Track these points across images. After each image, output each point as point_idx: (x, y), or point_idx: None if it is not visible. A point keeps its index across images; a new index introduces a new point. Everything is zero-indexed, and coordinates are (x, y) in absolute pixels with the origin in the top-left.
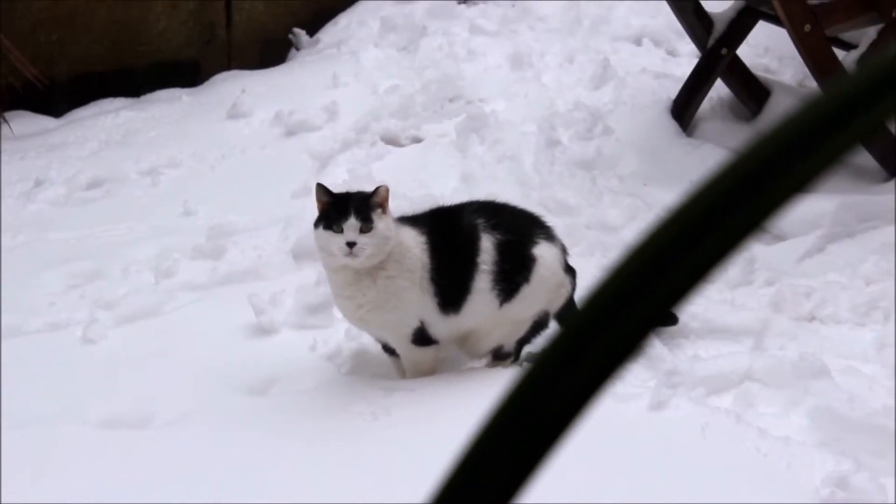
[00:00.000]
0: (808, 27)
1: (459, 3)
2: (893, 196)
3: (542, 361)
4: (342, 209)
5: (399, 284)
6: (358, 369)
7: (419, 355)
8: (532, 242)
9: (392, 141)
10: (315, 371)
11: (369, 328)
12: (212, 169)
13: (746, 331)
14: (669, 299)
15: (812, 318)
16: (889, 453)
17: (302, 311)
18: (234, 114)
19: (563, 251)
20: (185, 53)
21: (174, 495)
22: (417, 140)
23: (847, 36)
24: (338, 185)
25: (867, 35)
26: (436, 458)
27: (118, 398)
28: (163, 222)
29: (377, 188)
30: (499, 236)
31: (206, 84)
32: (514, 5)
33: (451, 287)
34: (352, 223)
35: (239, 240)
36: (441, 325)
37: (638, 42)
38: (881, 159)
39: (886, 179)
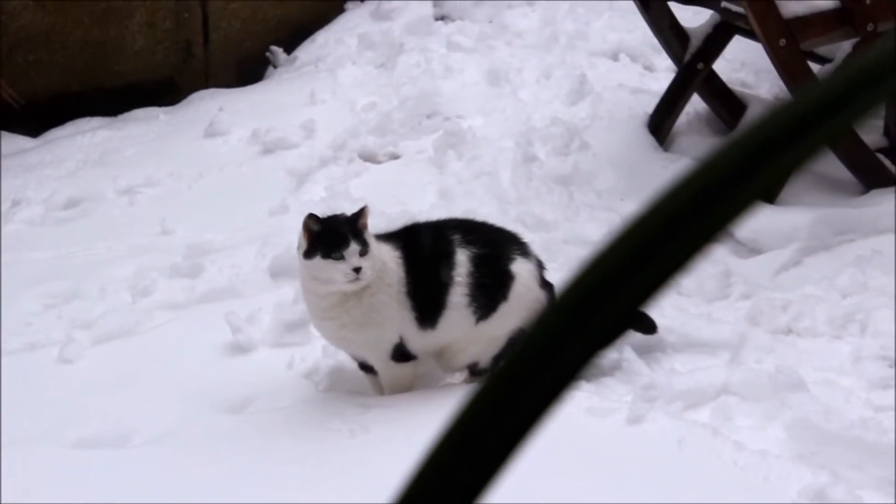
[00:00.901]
0: (783, 41)
1: (437, 20)
2: (869, 209)
3: (503, 371)
4: (338, 235)
5: (381, 300)
6: (335, 386)
7: (397, 371)
8: (508, 259)
9: (370, 158)
10: (292, 388)
11: (349, 346)
12: (189, 188)
13: (723, 344)
14: (631, 305)
15: (789, 332)
16: (866, 466)
17: (279, 328)
18: (212, 132)
19: (540, 266)
20: (162, 72)
21: None
22: (395, 157)
23: (822, 50)
24: (315, 202)
25: (842, 49)
26: None
27: (96, 418)
28: (140, 241)
29: (363, 209)
30: (474, 251)
31: (184, 103)
32: (491, 21)
33: (427, 301)
34: (353, 248)
35: (216, 258)
36: (419, 340)
37: (615, 57)
38: (857, 172)
39: (862, 192)
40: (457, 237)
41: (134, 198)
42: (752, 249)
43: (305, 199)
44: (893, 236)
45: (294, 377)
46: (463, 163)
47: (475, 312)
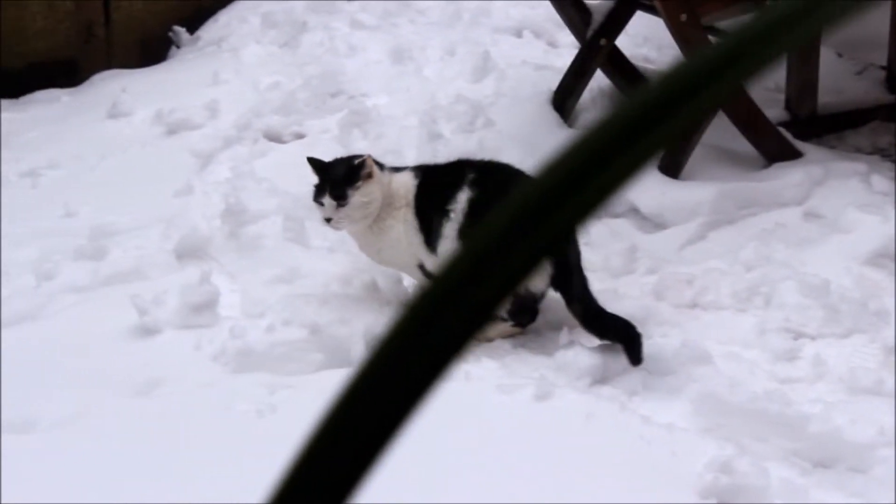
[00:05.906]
0: (684, 17)
1: None
2: (772, 183)
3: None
4: (322, 183)
5: (388, 224)
6: (243, 368)
7: None
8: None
9: (274, 137)
10: (200, 370)
11: (396, 269)
12: (92, 169)
13: (630, 319)
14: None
15: (694, 306)
16: (771, 437)
17: (186, 310)
18: (115, 113)
19: None
20: (63, 53)
21: (58, 500)
22: (300, 136)
23: (724, 24)
24: (220, 182)
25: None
26: None
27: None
28: (43, 224)
29: (362, 161)
30: (474, 193)
31: (86, 84)
32: None
33: (429, 226)
34: (328, 200)
35: (121, 240)
36: (432, 264)
37: (518, 34)
38: (759, 146)
39: (765, 166)
40: (471, 175)
41: (37, 180)
42: (657, 224)
43: (210, 180)
44: (796, 209)
45: (201, 359)
46: (368, 141)
47: None
